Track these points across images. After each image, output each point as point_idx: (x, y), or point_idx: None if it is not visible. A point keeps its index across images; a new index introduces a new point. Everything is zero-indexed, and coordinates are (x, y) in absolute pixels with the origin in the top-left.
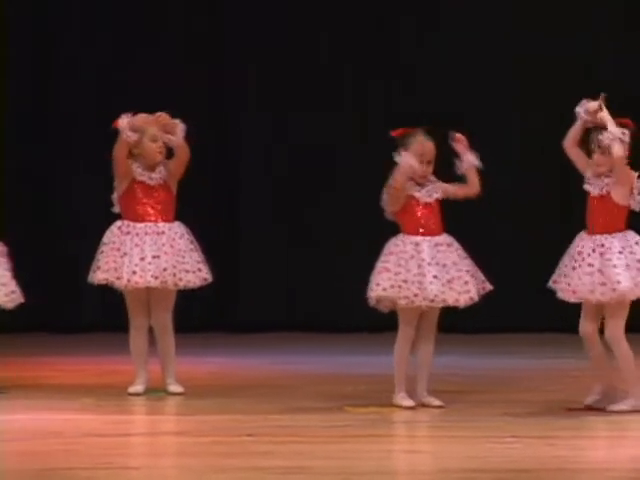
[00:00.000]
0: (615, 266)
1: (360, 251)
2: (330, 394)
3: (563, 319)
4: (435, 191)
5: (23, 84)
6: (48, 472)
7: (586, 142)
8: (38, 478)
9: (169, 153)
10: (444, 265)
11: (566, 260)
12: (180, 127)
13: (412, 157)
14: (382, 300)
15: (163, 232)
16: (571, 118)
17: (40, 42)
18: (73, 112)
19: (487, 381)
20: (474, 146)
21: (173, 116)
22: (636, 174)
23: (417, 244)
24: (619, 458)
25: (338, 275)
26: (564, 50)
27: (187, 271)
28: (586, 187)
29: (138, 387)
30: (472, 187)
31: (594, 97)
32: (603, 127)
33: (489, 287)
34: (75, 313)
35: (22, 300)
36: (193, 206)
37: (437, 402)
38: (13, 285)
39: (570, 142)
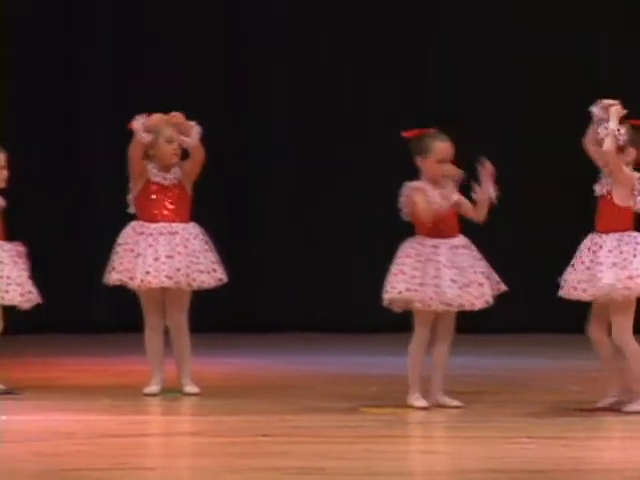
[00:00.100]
0: (600, 264)
1: (375, 252)
2: (345, 395)
3: (579, 319)
4: (453, 193)
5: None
6: (63, 473)
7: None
8: (52, 479)
9: (184, 154)
10: (461, 268)
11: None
12: (195, 129)
13: (439, 196)
14: (396, 301)
15: (177, 232)
16: (571, 118)
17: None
18: (85, 113)
19: (502, 382)
20: (474, 146)
21: (189, 117)
22: (637, 175)
23: (435, 246)
24: (634, 459)
25: (353, 276)
26: (564, 50)
27: (201, 271)
28: (595, 186)
29: (153, 388)
30: (479, 215)
31: (595, 97)
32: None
33: (504, 288)
34: (91, 314)
35: (39, 300)
36: (209, 207)
37: (455, 402)
38: (30, 285)
39: (588, 140)
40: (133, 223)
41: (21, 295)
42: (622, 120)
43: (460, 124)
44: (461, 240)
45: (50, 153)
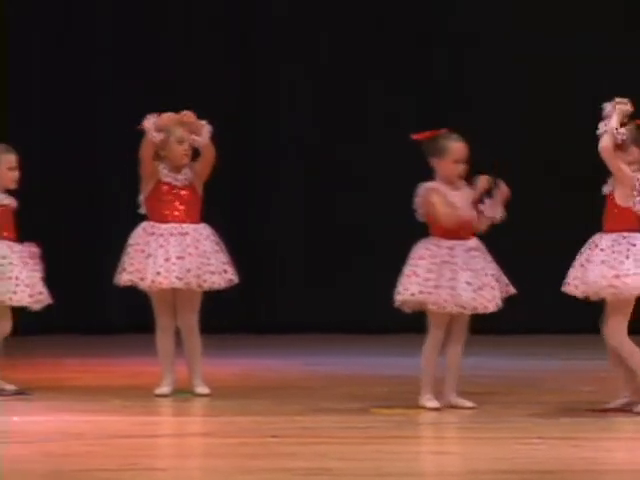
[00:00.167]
0: (590, 262)
1: (386, 252)
2: (356, 395)
3: (591, 320)
4: (468, 195)
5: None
6: (73, 473)
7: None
8: (63, 479)
9: (195, 154)
10: (475, 270)
11: None
12: (206, 128)
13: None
14: (408, 303)
15: (187, 233)
16: (571, 118)
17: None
18: (85, 113)
19: (514, 382)
20: (475, 146)
21: (201, 117)
22: (637, 175)
23: (451, 248)
24: None
25: (364, 276)
26: (564, 50)
27: (212, 272)
28: (603, 186)
29: (164, 389)
30: (479, 227)
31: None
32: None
33: (512, 290)
34: (102, 314)
35: (49, 302)
36: (219, 207)
37: (468, 403)
38: (40, 286)
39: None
40: (144, 224)
41: (30, 296)
42: (628, 119)
43: (460, 124)
44: (475, 242)
45: (56, 154)
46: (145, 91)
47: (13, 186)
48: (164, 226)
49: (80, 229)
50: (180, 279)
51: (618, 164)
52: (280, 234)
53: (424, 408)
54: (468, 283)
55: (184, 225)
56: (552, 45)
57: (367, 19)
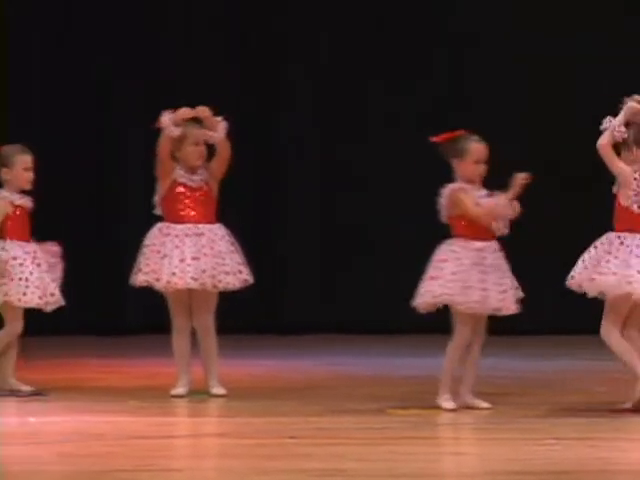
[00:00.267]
0: (583, 260)
1: (403, 253)
2: (372, 396)
3: None
4: (488, 195)
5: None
6: (91, 474)
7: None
8: None
9: (210, 154)
10: (502, 272)
11: None
12: (222, 124)
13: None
14: (428, 304)
15: (203, 234)
16: (571, 118)
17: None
18: (85, 113)
19: (530, 383)
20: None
21: (215, 115)
22: (634, 174)
23: (480, 250)
24: None
25: (381, 277)
26: (564, 50)
27: (227, 273)
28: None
29: (180, 389)
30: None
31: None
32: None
33: (521, 294)
34: (118, 315)
35: (61, 303)
36: (237, 208)
37: (484, 404)
38: (52, 288)
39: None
40: (159, 224)
41: (40, 298)
42: (637, 119)
43: (460, 124)
44: (497, 243)
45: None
46: (145, 91)
47: (28, 187)
48: (179, 227)
49: (97, 230)
50: (195, 280)
51: (615, 162)
52: (299, 235)
53: (441, 408)
54: (496, 284)
55: (200, 226)
56: (552, 45)
57: (367, 19)
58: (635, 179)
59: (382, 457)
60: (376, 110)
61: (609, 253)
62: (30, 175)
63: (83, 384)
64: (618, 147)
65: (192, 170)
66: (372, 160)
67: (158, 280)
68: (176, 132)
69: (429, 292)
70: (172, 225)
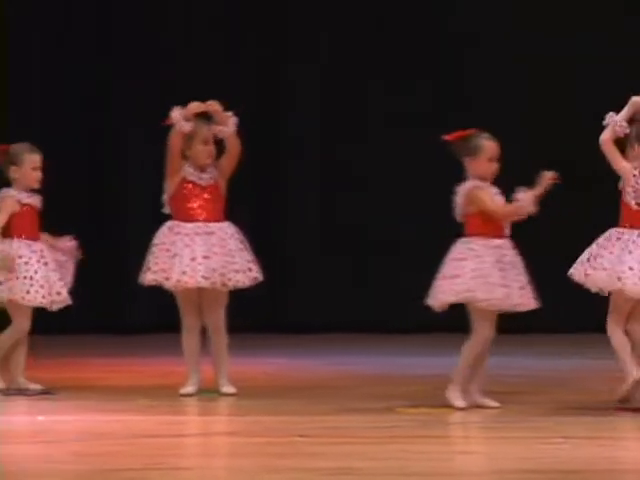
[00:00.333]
0: (583, 255)
1: (410, 252)
2: (381, 395)
3: None
4: (501, 194)
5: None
6: (101, 473)
7: None
8: (90, 479)
9: (219, 152)
10: (519, 268)
11: None
12: (232, 119)
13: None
14: (447, 303)
15: (213, 232)
16: (571, 118)
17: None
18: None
19: (540, 382)
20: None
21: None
22: (633, 171)
23: (500, 247)
24: None
25: (390, 276)
26: (564, 50)
27: (237, 271)
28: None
29: (189, 388)
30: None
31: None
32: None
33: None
34: (128, 314)
35: (67, 302)
36: (238, 207)
37: (493, 403)
38: (59, 286)
39: None
40: (169, 223)
41: (44, 297)
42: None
43: (460, 124)
44: (511, 241)
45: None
46: (145, 91)
47: (36, 186)
48: (190, 225)
49: (106, 228)
50: (206, 278)
51: (616, 158)
52: (307, 233)
53: (452, 407)
54: (515, 281)
55: (210, 224)
56: (552, 45)
57: (367, 19)
58: (634, 176)
59: (392, 456)
60: (376, 110)
61: (605, 249)
62: (38, 174)
63: (92, 383)
64: (624, 143)
65: (201, 168)
66: (372, 160)
67: (168, 279)
68: (187, 127)
69: (451, 290)
70: (182, 224)
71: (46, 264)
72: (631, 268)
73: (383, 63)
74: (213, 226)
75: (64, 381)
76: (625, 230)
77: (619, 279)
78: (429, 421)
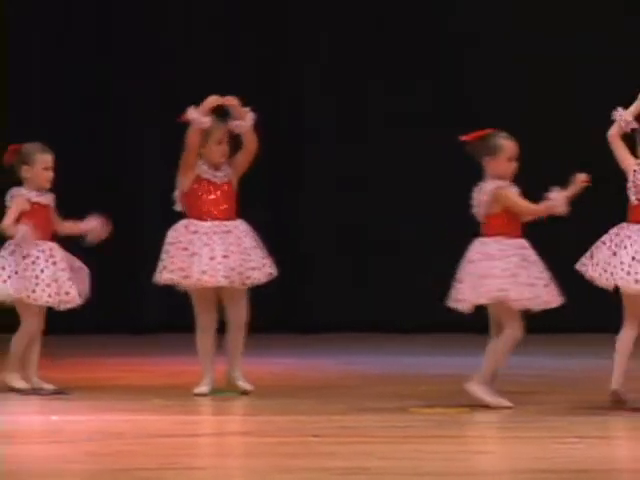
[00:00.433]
0: (590, 250)
1: (426, 251)
2: (393, 395)
3: None
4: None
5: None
6: (115, 473)
7: None
8: (103, 479)
9: (235, 147)
10: (541, 266)
11: None
12: (250, 114)
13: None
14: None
15: (230, 231)
16: (571, 118)
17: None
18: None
19: (555, 382)
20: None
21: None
22: (635, 167)
23: (524, 246)
24: None
25: (403, 275)
26: (564, 50)
27: (253, 269)
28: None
29: (203, 388)
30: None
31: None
32: None
33: None
34: (141, 314)
35: (76, 302)
36: (258, 203)
37: (506, 403)
38: (67, 286)
39: None
40: (184, 221)
41: (50, 296)
42: None
43: (460, 124)
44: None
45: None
46: (145, 91)
47: (48, 186)
48: (207, 224)
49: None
50: (226, 277)
51: (620, 154)
52: (319, 233)
53: (484, 404)
54: (539, 279)
55: (226, 223)
56: (552, 45)
57: (367, 19)
58: (635, 171)
59: (407, 455)
60: (376, 110)
61: (604, 243)
62: (50, 174)
63: (105, 383)
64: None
65: (215, 167)
66: (372, 160)
67: (187, 278)
68: (207, 122)
69: (482, 291)
70: (200, 222)
71: (54, 263)
72: (622, 263)
73: (383, 63)
74: (229, 224)
75: (77, 381)
76: (625, 225)
77: (605, 271)
78: (443, 421)
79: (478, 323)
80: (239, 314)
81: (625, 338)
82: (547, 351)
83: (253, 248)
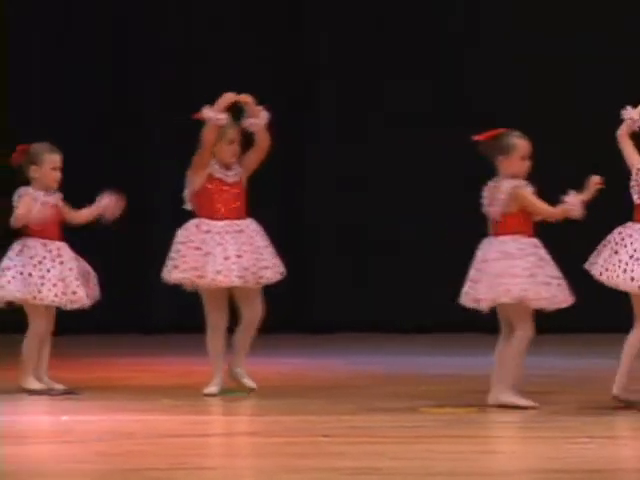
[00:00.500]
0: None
1: (433, 251)
2: (403, 394)
3: None
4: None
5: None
6: (125, 472)
7: None
8: (114, 478)
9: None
10: (553, 265)
11: None
12: (263, 113)
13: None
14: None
15: (242, 230)
16: (571, 118)
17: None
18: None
19: (567, 382)
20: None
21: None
22: (638, 166)
23: (537, 246)
24: None
25: (403, 275)
26: (564, 50)
27: (266, 268)
28: None
29: (213, 388)
30: (551, 217)
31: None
32: None
33: None
34: (151, 314)
35: (84, 303)
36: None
37: (533, 403)
38: (75, 286)
39: None
40: (195, 220)
41: (56, 295)
42: None
43: (460, 124)
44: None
45: (95, 154)
46: (145, 91)
47: (55, 186)
48: (220, 224)
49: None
50: (240, 277)
51: (627, 152)
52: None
53: (518, 407)
54: (554, 278)
55: (238, 222)
56: (552, 45)
57: (367, 19)
58: (638, 170)
59: (417, 455)
60: (376, 110)
61: (609, 242)
62: (57, 174)
63: (115, 383)
64: None
65: (227, 166)
66: (372, 160)
67: (201, 277)
68: (224, 119)
69: (502, 290)
70: (212, 222)
71: (62, 263)
72: (620, 261)
73: (383, 63)
74: (241, 223)
75: (87, 381)
76: (629, 224)
77: (606, 269)
78: (453, 421)
79: (478, 323)
80: (254, 312)
81: (633, 340)
82: (557, 351)
83: (265, 247)
